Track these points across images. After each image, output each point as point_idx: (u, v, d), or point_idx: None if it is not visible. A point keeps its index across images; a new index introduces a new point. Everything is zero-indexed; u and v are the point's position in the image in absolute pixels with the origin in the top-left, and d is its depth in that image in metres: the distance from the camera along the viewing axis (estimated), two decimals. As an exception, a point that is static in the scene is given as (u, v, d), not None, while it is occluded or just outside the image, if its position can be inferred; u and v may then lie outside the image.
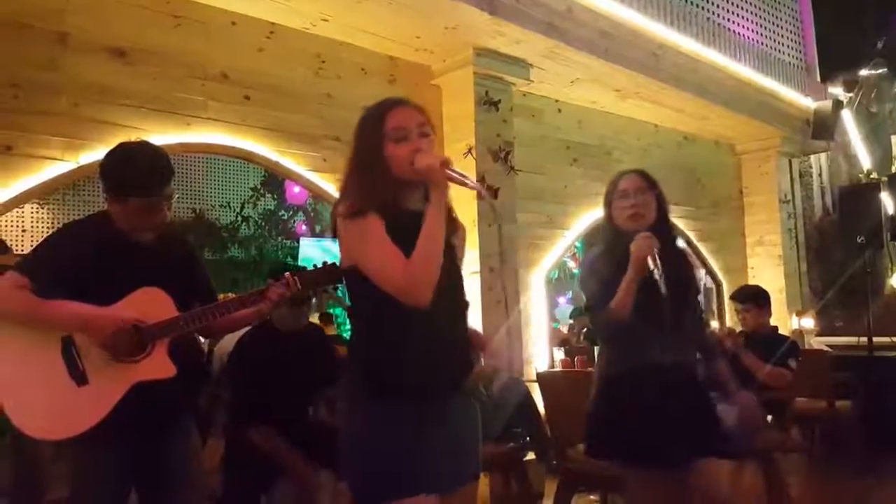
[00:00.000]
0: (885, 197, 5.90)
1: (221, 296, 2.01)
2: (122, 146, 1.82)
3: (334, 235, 1.47)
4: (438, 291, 1.37)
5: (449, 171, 1.40)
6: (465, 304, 1.57)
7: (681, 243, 2.17)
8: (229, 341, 2.89)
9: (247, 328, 2.46)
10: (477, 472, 1.51)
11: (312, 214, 7.71)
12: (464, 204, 4.00)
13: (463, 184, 1.42)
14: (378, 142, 1.44)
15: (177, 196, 1.85)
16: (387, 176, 1.43)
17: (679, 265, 2.08)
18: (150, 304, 1.75)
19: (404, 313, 1.36)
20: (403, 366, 1.38)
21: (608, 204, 2.12)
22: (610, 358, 2.05)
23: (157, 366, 1.73)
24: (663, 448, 1.86)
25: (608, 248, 2.10)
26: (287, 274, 1.86)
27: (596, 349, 4.03)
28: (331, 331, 5.30)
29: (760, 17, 5.84)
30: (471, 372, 1.50)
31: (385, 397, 1.38)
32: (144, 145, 1.85)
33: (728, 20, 5.42)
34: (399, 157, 1.43)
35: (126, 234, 1.79)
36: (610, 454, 2.04)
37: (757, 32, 5.79)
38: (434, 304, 1.36)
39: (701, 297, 2.58)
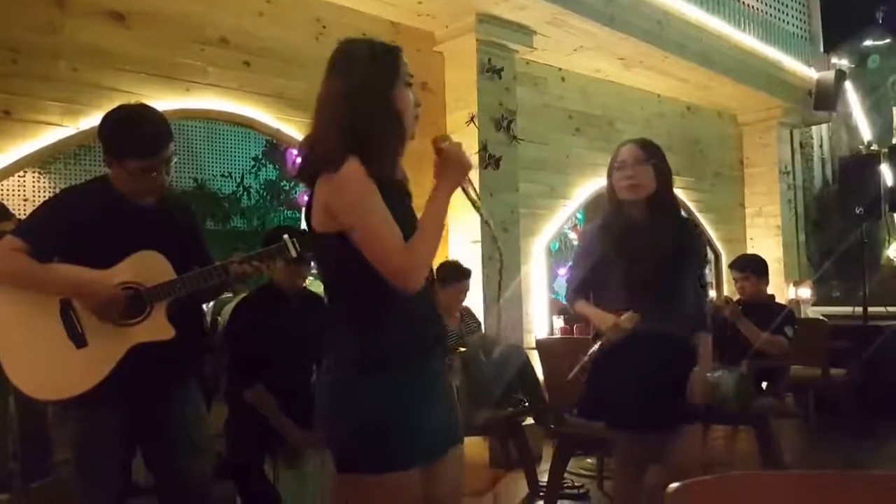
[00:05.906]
0: (884, 168, 5.88)
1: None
2: (120, 108, 1.80)
3: (300, 176, 1.33)
4: None
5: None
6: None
7: (684, 214, 2.19)
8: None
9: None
10: (460, 437, 1.47)
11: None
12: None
13: (465, 192, 1.40)
14: (393, 81, 1.29)
15: (176, 160, 1.83)
16: (399, 127, 1.30)
17: (677, 236, 2.06)
18: (147, 267, 1.75)
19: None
20: (398, 334, 1.33)
21: (609, 175, 2.13)
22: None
23: (156, 328, 1.74)
24: (646, 413, 1.93)
25: (605, 223, 2.13)
26: (285, 237, 1.86)
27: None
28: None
29: (766, -16, 5.76)
30: (446, 339, 1.48)
31: (377, 367, 1.31)
32: (143, 107, 1.84)
33: (733, -12, 5.34)
34: (408, 105, 1.33)
35: (125, 197, 1.78)
36: (598, 416, 2.14)
37: (762, 1, 5.71)
38: None
39: (707, 270, 2.60)
